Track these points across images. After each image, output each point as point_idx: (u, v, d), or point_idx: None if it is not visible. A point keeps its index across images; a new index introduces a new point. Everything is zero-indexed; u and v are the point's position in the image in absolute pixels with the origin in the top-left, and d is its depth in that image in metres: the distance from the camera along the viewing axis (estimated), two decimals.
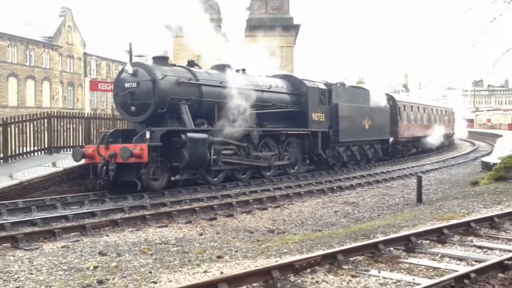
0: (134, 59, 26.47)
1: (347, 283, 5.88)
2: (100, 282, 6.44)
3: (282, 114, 18.87)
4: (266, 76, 19.59)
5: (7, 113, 35.44)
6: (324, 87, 20.99)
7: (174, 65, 16.04)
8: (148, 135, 13.63)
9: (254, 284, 5.82)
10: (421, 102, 35.48)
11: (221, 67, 17.38)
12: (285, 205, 13.34)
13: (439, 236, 7.99)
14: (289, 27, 30.45)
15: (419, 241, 7.66)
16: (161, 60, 15.53)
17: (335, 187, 16.40)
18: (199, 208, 12.02)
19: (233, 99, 16.30)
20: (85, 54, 57.33)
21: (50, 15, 53.10)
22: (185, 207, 12.36)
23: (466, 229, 8.49)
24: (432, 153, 33.30)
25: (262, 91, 17.87)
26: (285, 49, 30.38)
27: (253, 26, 29.57)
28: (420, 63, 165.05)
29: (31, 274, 7.02)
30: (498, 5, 18.37)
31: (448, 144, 39.30)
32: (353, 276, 6.14)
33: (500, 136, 41.20)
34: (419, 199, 13.63)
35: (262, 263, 6.99)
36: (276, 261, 6.79)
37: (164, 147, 13.84)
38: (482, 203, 11.69)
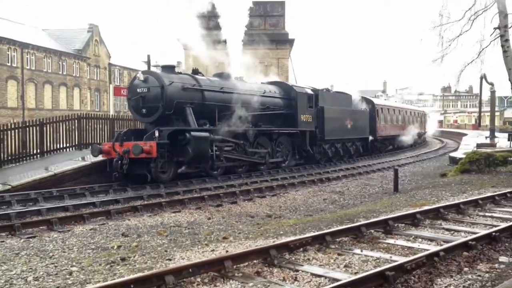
0: (152, 69, 26.42)
1: (334, 260, 5.89)
2: (123, 259, 6.45)
3: (275, 116, 18.71)
4: (261, 82, 19.49)
5: (43, 115, 35.42)
6: (312, 92, 20.79)
7: (180, 73, 15.86)
8: (157, 133, 13.54)
9: (255, 261, 5.82)
10: (397, 105, 35.39)
11: (222, 75, 17.32)
12: (281, 194, 13.33)
13: (412, 220, 7.99)
14: (285, 41, 30.44)
15: (396, 224, 7.67)
16: (169, 68, 15.37)
17: (324, 178, 16.38)
18: (208, 196, 12.02)
19: (231, 102, 16.21)
20: (109, 64, 57.18)
21: (79, 30, 53.03)
22: (196, 195, 12.34)
23: (436, 214, 8.49)
24: (407, 150, 33.26)
25: (257, 95, 17.68)
26: (281, 60, 30.38)
27: (254, 40, 29.59)
28: (397, 72, 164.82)
29: (64, 252, 7.03)
30: (463, 22, 18.36)
31: (420, 141, 39.21)
32: (339, 254, 6.15)
33: (465, 134, 41.13)
34: (396, 189, 13.63)
35: (261, 243, 6.98)
36: (274, 242, 6.79)
37: (171, 144, 13.76)
38: (450, 192, 11.69)
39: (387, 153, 29.68)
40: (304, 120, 19.77)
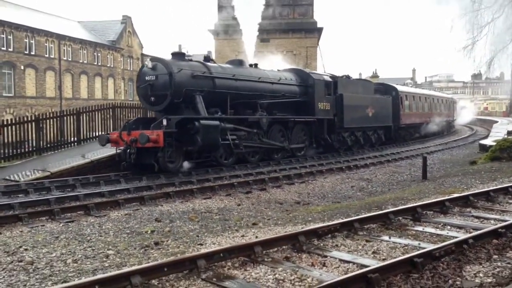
0: None
1: (362, 247, 5.85)
2: (156, 243, 6.55)
3: (291, 104, 18.00)
4: (278, 70, 18.88)
5: (79, 104, 36.15)
6: (330, 79, 20.01)
7: (191, 60, 15.25)
8: (164, 122, 13.08)
9: (284, 247, 5.84)
10: (422, 92, 34.28)
11: (235, 62, 16.83)
12: (310, 181, 13.29)
13: (441, 207, 7.86)
14: (313, 30, 30.09)
15: (424, 212, 7.56)
16: (179, 56, 14.85)
17: (351, 166, 16.23)
18: (237, 183, 12.07)
19: (244, 90, 15.76)
20: (142, 54, 57.77)
21: (113, 22, 53.76)
22: (226, 182, 12.40)
23: (465, 201, 8.34)
24: (436, 137, 32.48)
25: (272, 83, 17.14)
26: (310, 48, 30.06)
27: (283, 30, 29.43)
28: (426, 59, 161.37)
29: (100, 236, 7.19)
30: (493, 10, 17.84)
31: (448, 129, 38.23)
32: (367, 241, 6.11)
33: (496, 122, 40.02)
34: (424, 176, 13.41)
35: (290, 229, 6.99)
36: (302, 228, 6.79)
37: (179, 133, 13.24)
38: (479, 180, 11.44)
39: (414, 141, 29.03)
40: (322, 108, 19.05)
